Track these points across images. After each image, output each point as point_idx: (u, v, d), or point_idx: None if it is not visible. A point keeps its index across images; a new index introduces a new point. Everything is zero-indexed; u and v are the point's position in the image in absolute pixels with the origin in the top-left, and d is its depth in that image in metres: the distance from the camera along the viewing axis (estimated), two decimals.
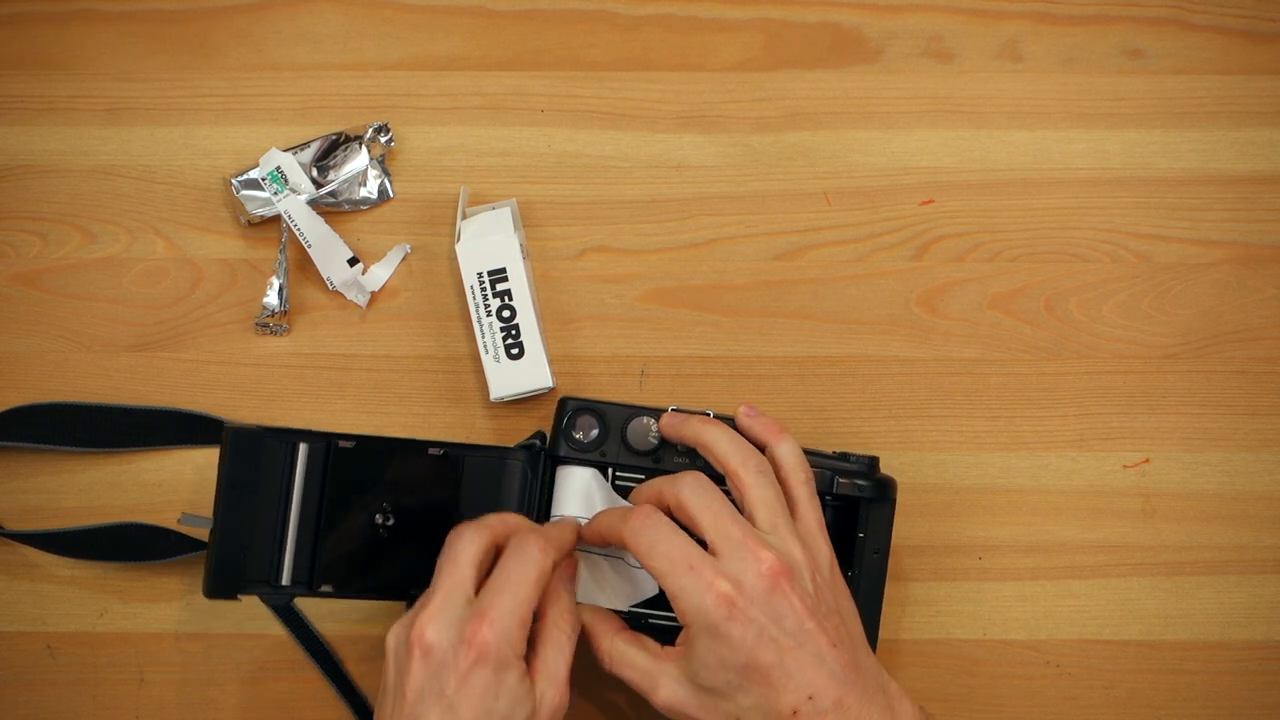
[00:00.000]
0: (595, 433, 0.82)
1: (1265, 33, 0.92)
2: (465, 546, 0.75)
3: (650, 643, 0.77)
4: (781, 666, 0.72)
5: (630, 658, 0.76)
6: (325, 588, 0.81)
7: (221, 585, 0.79)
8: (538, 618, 0.76)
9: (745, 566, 0.73)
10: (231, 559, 0.79)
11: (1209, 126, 0.91)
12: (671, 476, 0.77)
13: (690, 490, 0.76)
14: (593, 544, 0.80)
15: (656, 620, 0.82)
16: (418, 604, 0.74)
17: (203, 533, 0.85)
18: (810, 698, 0.72)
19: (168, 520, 0.88)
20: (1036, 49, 0.92)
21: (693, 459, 0.82)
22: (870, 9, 0.92)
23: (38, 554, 0.88)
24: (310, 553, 0.80)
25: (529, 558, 0.74)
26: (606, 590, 0.82)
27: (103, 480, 0.89)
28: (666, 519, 0.75)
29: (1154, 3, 0.92)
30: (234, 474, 0.79)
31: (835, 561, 0.77)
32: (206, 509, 0.85)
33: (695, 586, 0.73)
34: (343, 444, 0.81)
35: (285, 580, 0.80)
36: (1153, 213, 0.91)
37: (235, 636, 0.88)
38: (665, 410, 0.82)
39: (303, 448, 0.80)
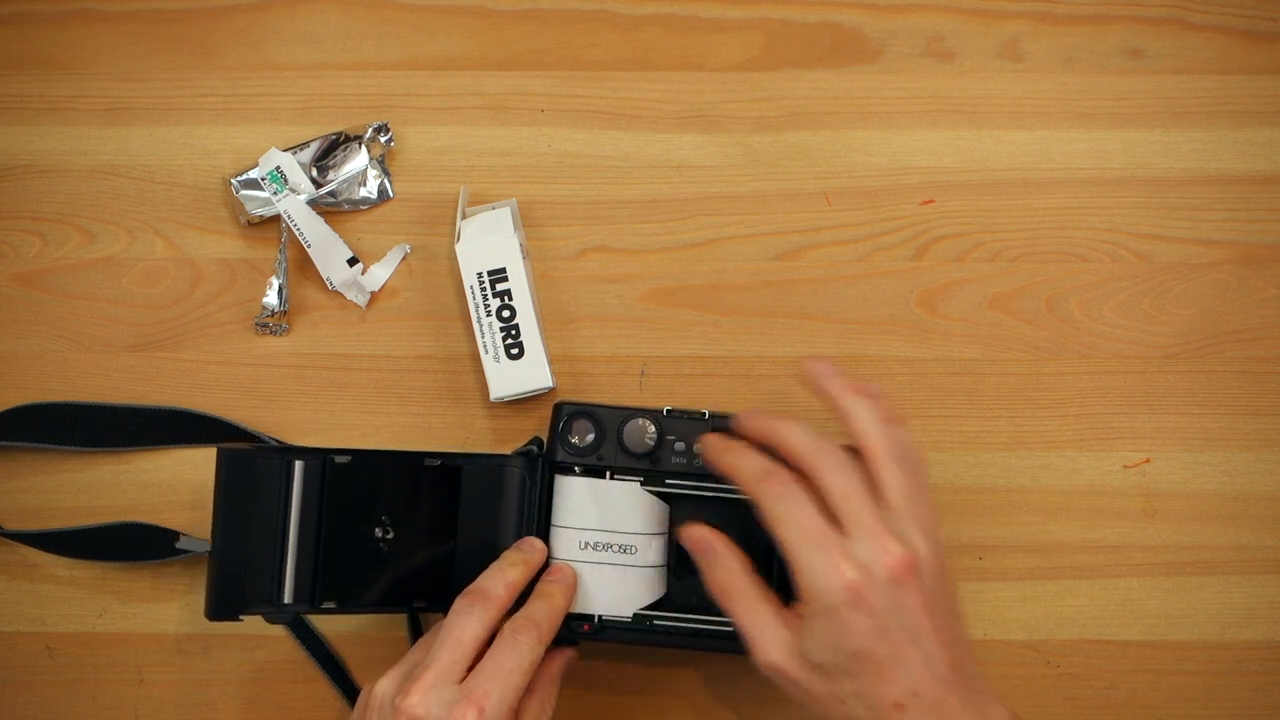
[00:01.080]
0: (591, 437, 0.82)
1: (1265, 33, 0.92)
2: (470, 627, 0.76)
3: (774, 597, 0.76)
4: (893, 659, 0.72)
5: (751, 604, 0.75)
6: (328, 604, 0.80)
7: (223, 607, 0.79)
8: (529, 690, 0.78)
9: (874, 555, 0.72)
10: (232, 580, 0.79)
11: (1209, 126, 0.91)
12: (817, 447, 0.75)
13: (834, 467, 0.74)
14: (748, 437, 0.77)
15: (662, 622, 0.82)
16: (412, 664, 0.76)
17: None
18: (915, 694, 0.72)
19: (167, 520, 0.88)
20: (1036, 49, 0.92)
21: (689, 459, 0.81)
22: (870, 9, 0.92)
23: (37, 554, 0.88)
24: (311, 570, 0.80)
25: (524, 648, 0.76)
26: (609, 596, 0.81)
27: (102, 480, 0.89)
28: (803, 492, 0.74)
29: (1154, 3, 0.92)
30: (230, 495, 0.79)
31: (947, 561, 0.75)
32: (205, 509, 0.85)
33: (823, 567, 0.72)
34: (338, 459, 0.81)
35: (287, 599, 0.80)
36: (1153, 213, 0.91)
37: (235, 637, 0.88)
38: (660, 411, 0.82)
39: (298, 465, 0.80)
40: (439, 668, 0.74)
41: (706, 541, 0.78)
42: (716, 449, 0.78)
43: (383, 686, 0.76)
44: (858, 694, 0.72)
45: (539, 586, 0.80)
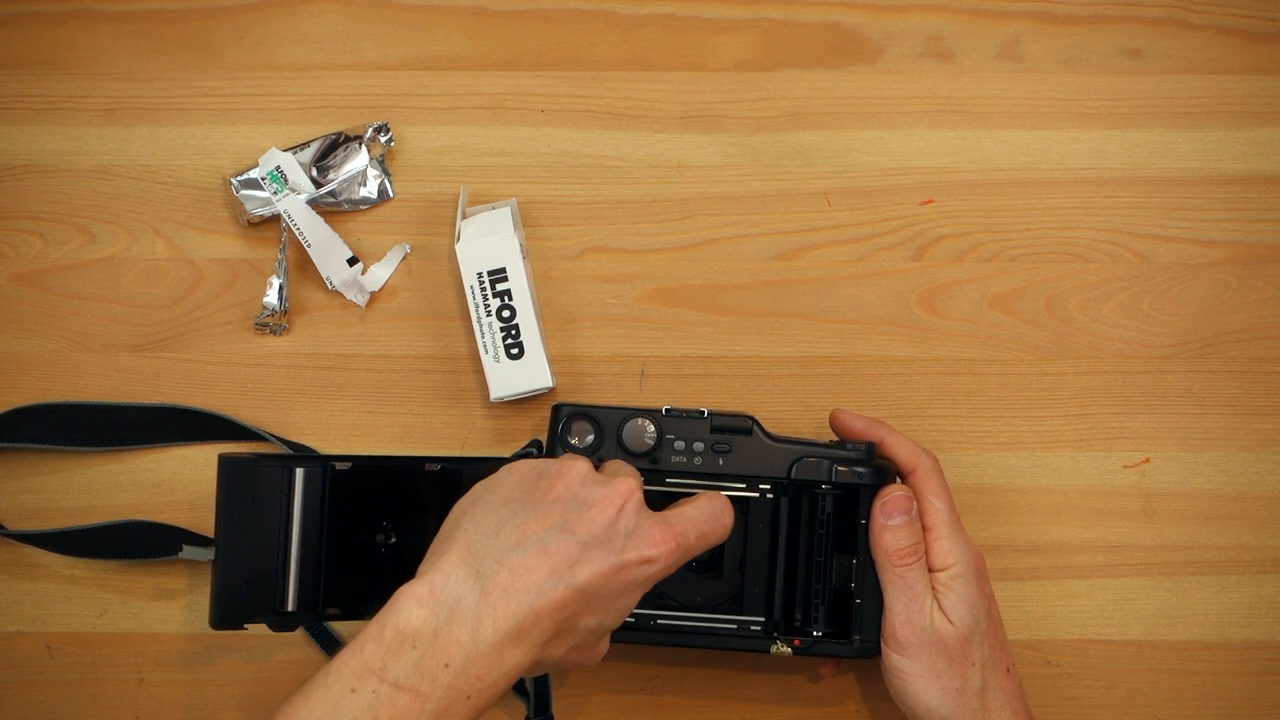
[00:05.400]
0: (591, 438, 0.82)
1: (1265, 33, 0.92)
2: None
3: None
4: (1002, 628, 0.83)
5: (919, 574, 0.80)
6: (332, 611, 0.80)
7: (227, 616, 0.79)
8: None
9: (971, 550, 0.82)
10: (235, 589, 0.78)
11: (1209, 126, 0.91)
12: (922, 450, 0.83)
13: (940, 479, 0.83)
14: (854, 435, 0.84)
15: (665, 621, 0.82)
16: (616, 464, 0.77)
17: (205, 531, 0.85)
18: (1010, 668, 0.82)
19: (168, 520, 0.88)
20: (1036, 49, 0.92)
21: (688, 458, 0.81)
22: (870, 9, 0.92)
23: (38, 554, 0.88)
24: (315, 578, 0.80)
25: (724, 522, 0.76)
26: None
27: (103, 480, 0.89)
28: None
29: (1154, 3, 0.92)
30: (231, 503, 0.78)
31: None
32: (206, 509, 0.86)
33: (965, 539, 0.82)
34: (339, 466, 0.81)
35: (291, 607, 0.80)
36: (1153, 213, 0.91)
37: (235, 636, 0.88)
38: (659, 410, 0.82)
39: (299, 472, 0.80)
40: (641, 491, 0.73)
41: (906, 504, 0.81)
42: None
43: (583, 467, 0.73)
44: (984, 661, 0.80)
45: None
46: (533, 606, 0.68)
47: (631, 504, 0.72)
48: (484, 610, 0.67)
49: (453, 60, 0.92)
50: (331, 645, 0.87)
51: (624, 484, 0.72)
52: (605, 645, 0.74)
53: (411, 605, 0.67)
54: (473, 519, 0.71)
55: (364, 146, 0.90)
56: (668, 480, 0.82)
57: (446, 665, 0.66)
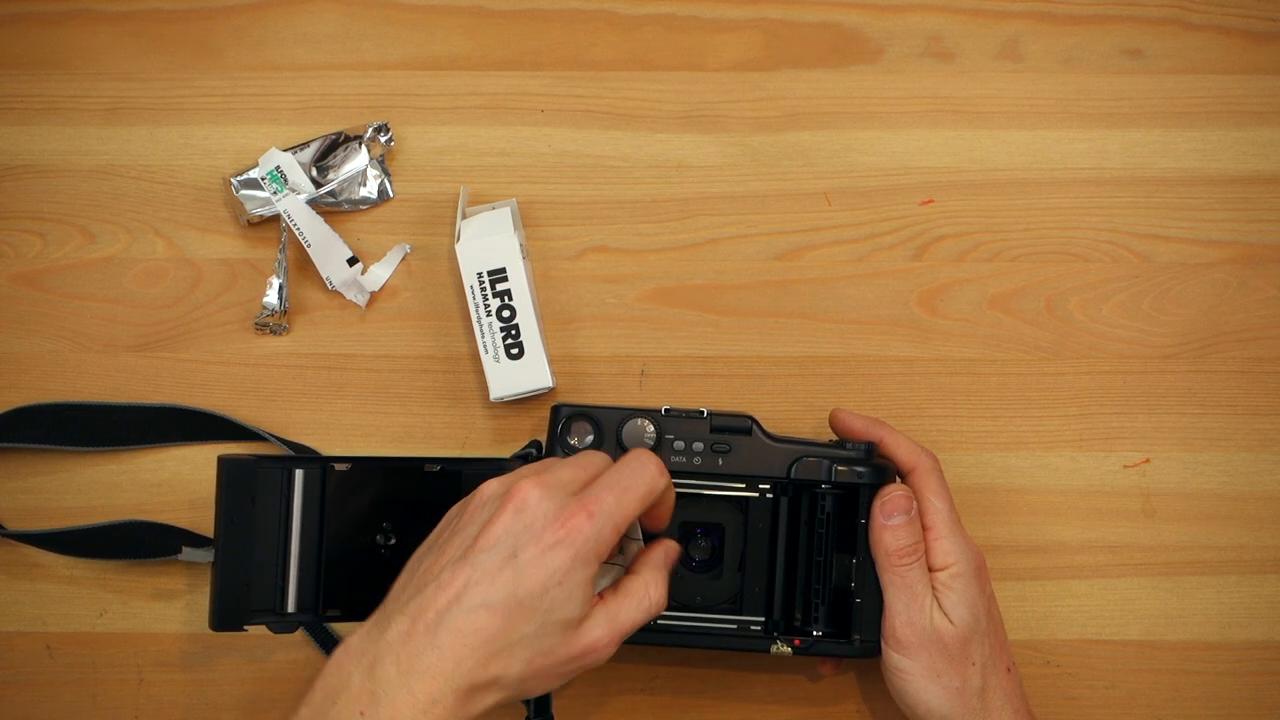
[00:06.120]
0: (590, 438, 0.82)
1: (1265, 33, 0.92)
2: (598, 461, 0.76)
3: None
4: (1002, 627, 0.83)
5: (920, 573, 0.80)
6: (332, 612, 0.81)
7: (227, 618, 0.79)
8: (631, 571, 0.76)
9: (971, 549, 0.82)
10: (235, 591, 0.79)
11: (1209, 126, 0.91)
12: (922, 449, 0.83)
13: (940, 479, 0.83)
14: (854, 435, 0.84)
15: (665, 621, 0.82)
16: (523, 468, 0.75)
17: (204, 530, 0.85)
18: (1011, 667, 0.82)
19: (168, 520, 0.88)
20: (1036, 49, 0.92)
21: (688, 458, 0.81)
22: (870, 9, 0.92)
23: (38, 554, 0.88)
24: (314, 579, 0.80)
25: (645, 471, 0.74)
26: None
27: (102, 480, 0.89)
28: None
29: (1154, 3, 0.92)
30: (231, 505, 0.79)
31: None
32: (206, 509, 0.86)
33: (965, 538, 0.82)
34: (339, 467, 0.81)
35: (291, 608, 0.80)
36: (1153, 213, 0.91)
37: (235, 636, 0.88)
38: (658, 410, 0.82)
39: (299, 474, 0.80)
40: (557, 471, 0.73)
41: (905, 504, 0.81)
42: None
43: (493, 484, 0.73)
44: (984, 661, 0.80)
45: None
46: (433, 643, 0.69)
47: (529, 500, 0.71)
48: (387, 656, 0.69)
49: (453, 60, 0.92)
50: (331, 646, 0.87)
51: (518, 488, 0.72)
52: (590, 634, 0.72)
53: (333, 666, 0.70)
54: (400, 576, 0.74)
55: (364, 146, 0.90)
56: None
57: (361, 713, 0.68)
